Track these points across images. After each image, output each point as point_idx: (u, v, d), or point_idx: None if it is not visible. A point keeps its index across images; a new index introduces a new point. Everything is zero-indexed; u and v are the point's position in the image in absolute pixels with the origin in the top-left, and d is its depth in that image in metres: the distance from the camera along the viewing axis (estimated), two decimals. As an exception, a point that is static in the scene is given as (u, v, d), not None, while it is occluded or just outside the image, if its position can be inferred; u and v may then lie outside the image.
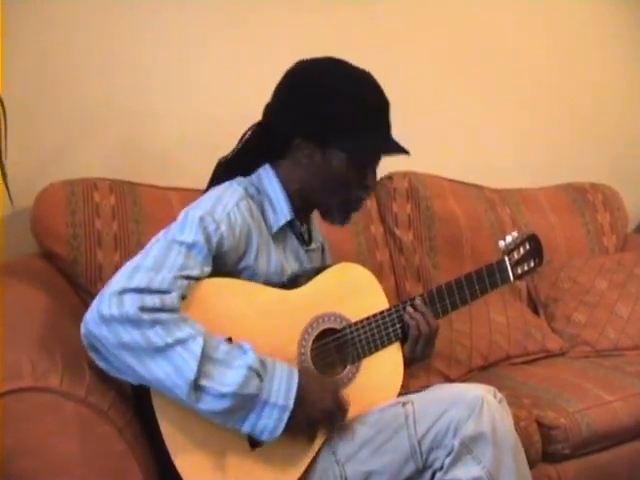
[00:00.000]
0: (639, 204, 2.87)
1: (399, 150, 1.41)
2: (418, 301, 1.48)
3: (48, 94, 1.94)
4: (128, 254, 1.80)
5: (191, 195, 1.83)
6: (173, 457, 1.21)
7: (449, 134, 2.53)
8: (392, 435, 1.29)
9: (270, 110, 1.44)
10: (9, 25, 1.84)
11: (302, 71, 1.42)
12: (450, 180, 2.37)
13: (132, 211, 1.85)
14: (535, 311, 2.29)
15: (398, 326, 1.46)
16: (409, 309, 1.47)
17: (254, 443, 1.26)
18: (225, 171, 1.46)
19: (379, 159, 1.45)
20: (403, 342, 1.49)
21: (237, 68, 2.20)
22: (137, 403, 1.28)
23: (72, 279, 1.76)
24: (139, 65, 2.07)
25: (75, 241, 1.76)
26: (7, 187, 1.56)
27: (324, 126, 1.36)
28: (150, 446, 1.25)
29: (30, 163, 1.89)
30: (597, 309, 2.18)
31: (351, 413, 1.35)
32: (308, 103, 1.37)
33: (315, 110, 1.36)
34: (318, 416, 1.27)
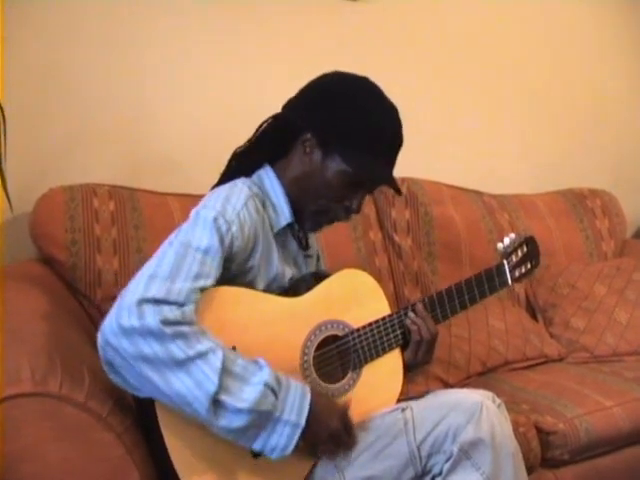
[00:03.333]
0: (638, 210, 2.88)
1: (395, 187, 1.43)
2: (419, 306, 1.48)
3: (47, 100, 1.94)
4: (127, 260, 1.80)
5: (190, 201, 1.82)
6: (174, 463, 1.20)
7: (448, 140, 2.54)
8: (391, 441, 1.30)
9: (292, 103, 1.44)
10: (9, 31, 1.84)
11: (337, 79, 1.42)
12: (449, 186, 2.38)
13: (131, 217, 1.85)
14: (534, 317, 2.29)
15: (399, 332, 1.47)
16: (411, 314, 1.47)
17: (256, 452, 1.26)
18: (238, 160, 1.46)
19: (373, 187, 1.46)
20: (404, 348, 1.49)
21: (238, 75, 2.20)
22: (139, 414, 1.28)
23: (71, 284, 1.76)
24: (139, 71, 2.07)
25: (74, 246, 1.76)
26: (7, 192, 1.56)
27: (336, 132, 1.37)
28: (150, 450, 1.26)
29: (29, 169, 1.89)
30: (596, 315, 2.18)
31: (352, 419, 1.35)
32: (331, 106, 1.38)
33: (336, 117, 1.37)
34: (325, 436, 1.27)
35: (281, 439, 1.19)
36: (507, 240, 1.60)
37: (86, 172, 1.95)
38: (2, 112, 1.55)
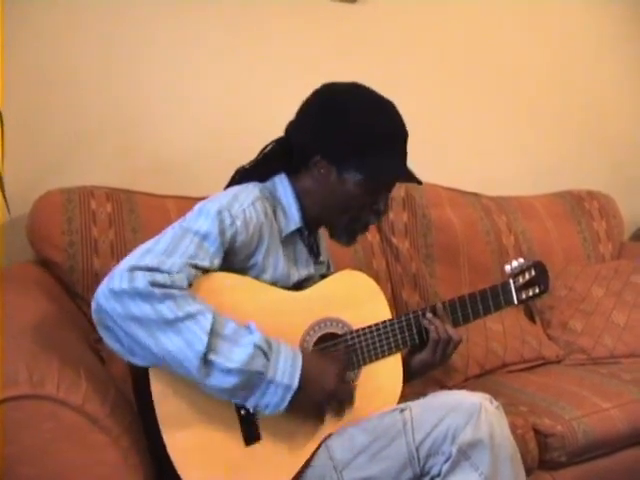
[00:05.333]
0: (635, 212, 2.89)
1: (413, 179, 1.46)
2: (439, 305, 1.52)
3: (45, 104, 1.94)
4: (125, 262, 1.79)
5: (188, 203, 1.82)
6: (169, 450, 1.21)
7: (445, 142, 2.54)
8: (390, 442, 1.30)
9: (293, 127, 1.47)
10: (9, 32, 1.84)
11: (328, 93, 1.44)
12: (446, 188, 2.38)
13: (129, 219, 1.85)
14: (531, 319, 2.29)
15: (407, 334, 1.48)
16: (429, 315, 1.50)
17: (249, 440, 1.27)
18: (242, 179, 1.47)
19: (393, 185, 1.49)
20: (420, 348, 1.51)
21: (237, 77, 2.20)
22: (136, 400, 1.28)
23: (69, 287, 1.76)
24: (136, 75, 2.07)
25: (72, 249, 1.76)
26: (4, 195, 1.56)
27: (344, 148, 1.39)
28: (148, 445, 1.26)
29: (27, 171, 1.89)
30: (593, 317, 2.19)
31: (349, 419, 1.36)
32: (331, 124, 1.40)
33: (337, 132, 1.39)
34: (322, 397, 1.29)
35: (274, 398, 1.22)
36: (515, 263, 1.64)
37: (84, 174, 1.95)
38: (0, 116, 1.55)
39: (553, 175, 2.73)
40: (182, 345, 1.16)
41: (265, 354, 1.22)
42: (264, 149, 1.48)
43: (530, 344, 2.11)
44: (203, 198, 1.48)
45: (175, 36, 2.12)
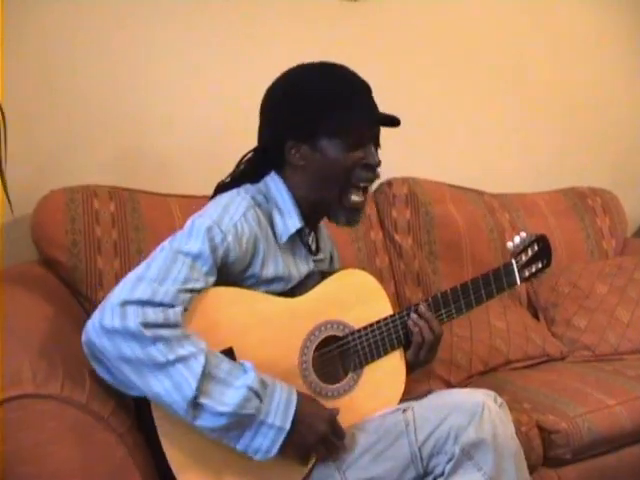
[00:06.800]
0: (639, 208, 2.88)
1: (387, 121, 1.42)
2: (422, 308, 1.46)
3: (48, 101, 1.94)
4: (128, 261, 1.80)
5: (191, 202, 1.83)
6: (169, 461, 1.21)
7: (448, 139, 2.54)
8: (393, 442, 1.29)
9: (259, 129, 1.46)
10: (9, 32, 1.84)
11: (275, 81, 1.45)
12: (449, 185, 2.38)
13: (132, 218, 1.85)
14: (535, 316, 2.29)
15: (401, 332, 1.46)
16: (413, 316, 1.46)
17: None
18: (234, 183, 1.46)
19: (372, 135, 1.44)
20: (406, 348, 1.48)
21: (238, 76, 2.20)
22: (138, 414, 1.28)
23: (72, 286, 1.76)
24: (139, 72, 2.07)
25: (75, 248, 1.76)
26: (7, 194, 1.56)
27: (308, 121, 1.37)
28: (151, 452, 1.26)
29: (30, 170, 1.89)
30: (597, 313, 2.18)
31: (352, 420, 1.36)
32: (287, 105, 1.39)
33: (295, 109, 1.38)
34: (313, 440, 1.26)
35: (265, 441, 1.20)
36: (517, 239, 1.60)
37: (87, 173, 1.94)
38: (3, 114, 1.55)
39: (556, 172, 2.73)
40: (171, 389, 1.14)
41: (258, 396, 1.20)
42: (239, 162, 1.48)
43: (534, 341, 2.11)
44: (206, 197, 1.48)
45: (177, 33, 2.12)
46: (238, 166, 1.48)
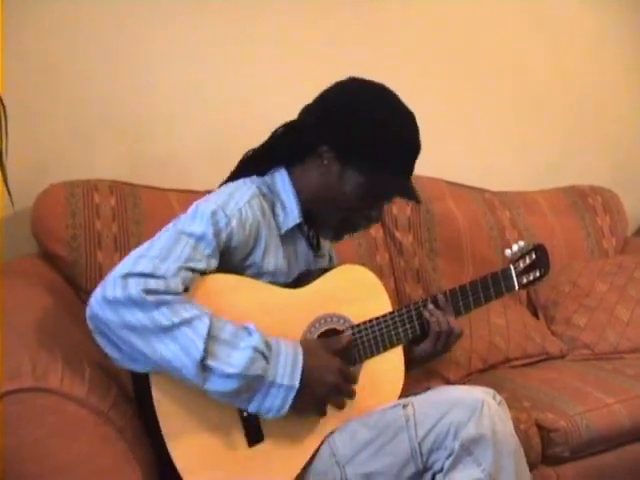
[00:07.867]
0: (639, 207, 2.88)
1: (414, 197, 1.41)
2: (441, 297, 1.51)
3: (48, 94, 1.94)
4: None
5: (192, 196, 1.82)
6: (172, 454, 1.21)
7: (449, 137, 2.53)
8: (392, 437, 1.30)
9: (310, 111, 1.43)
10: (10, 25, 1.84)
11: (354, 90, 1.41)
12: (450, 183, 2.37)
13: (132, 212, 1.85)
14: (535, 314, 2.29)
15: (408, 326, 1.47)
16: (430, 306, 1.49)
17: (252, 440, 1.27)
18: (248, 163, 1.46)
19: (392, 198, 1.46)
20: (421, 340, 1.50)
21: (239, 73, 2.20)
22: (137, 401, 1.28)
23: (72, 280, 1.76)
24: (141, 66, 2.07)
25: (75, 242, 1.76)
26: (7, 188, 1.56)
27: (355, 146, 1.36)
28: (150, 443, 1.26)
29: (30, 164, 1.89)
30: (597, 312, 2.18)
31: (351, 414, 1.36)
32: (349, 120, 1.36)
33: (353, 129, 1.36)
34: (324, 392, 1.29)
35: (276, 401, 1.21)
36: (515, 247, 1.62)
37: (87, 168, 1.95)
38: (3, 107, 1.55)
39: (556, 171, 2.72)
40: (178, 352, 1.15)
41: (265, 356, 1.20)
42: (275, 132, 1.46)
43: (533, 339, 2.11)
44: (207, 192, 1.48)
45: (178, 29, 2.12)
46: (270, 139, 1.46)
